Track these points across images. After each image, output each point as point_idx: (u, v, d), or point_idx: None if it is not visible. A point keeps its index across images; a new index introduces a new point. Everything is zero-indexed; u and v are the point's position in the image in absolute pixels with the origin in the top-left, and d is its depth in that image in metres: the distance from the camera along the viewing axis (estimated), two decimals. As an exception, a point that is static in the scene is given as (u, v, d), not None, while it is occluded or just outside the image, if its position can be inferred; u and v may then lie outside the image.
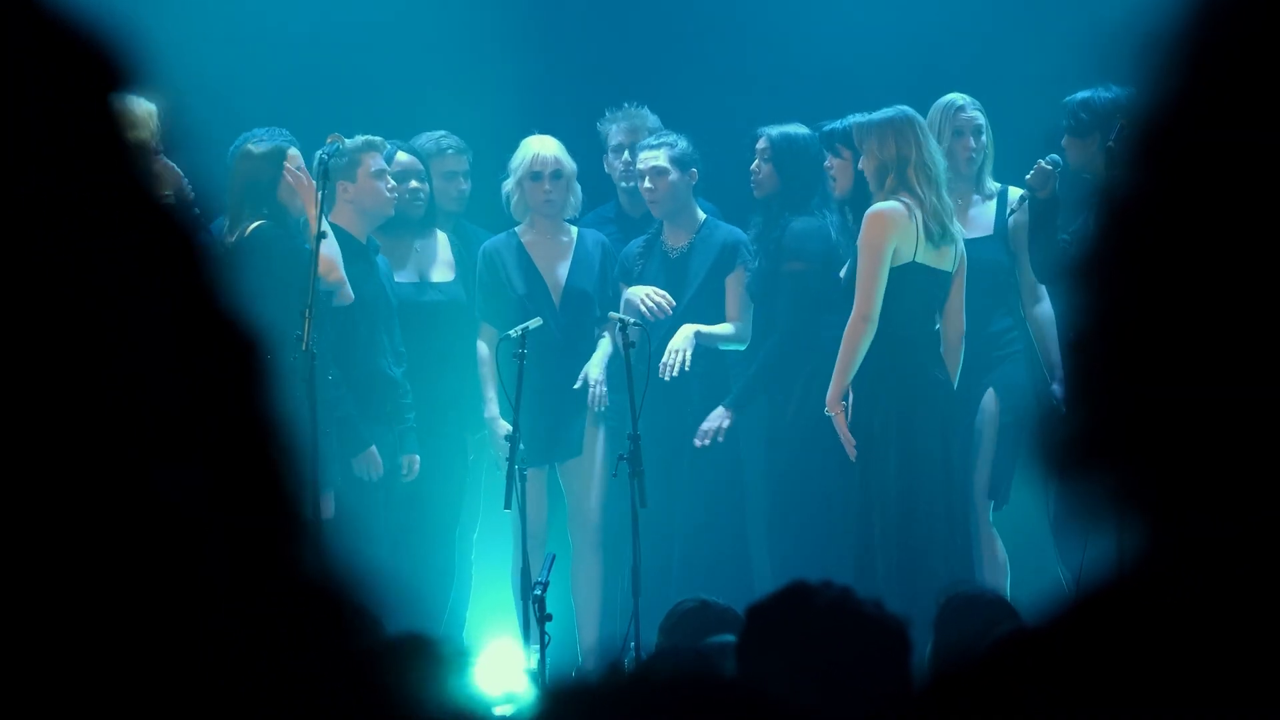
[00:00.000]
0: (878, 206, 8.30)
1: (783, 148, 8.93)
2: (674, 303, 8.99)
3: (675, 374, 8.86)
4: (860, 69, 9.83)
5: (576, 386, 8.99)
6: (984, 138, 8.91)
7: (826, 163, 8.68)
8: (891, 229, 8.29)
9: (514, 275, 9.09)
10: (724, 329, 9.04)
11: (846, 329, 8.30)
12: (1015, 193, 8.88)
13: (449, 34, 10.13)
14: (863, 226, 8.33)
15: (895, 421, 8.38)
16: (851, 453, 8.33)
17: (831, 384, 8.36)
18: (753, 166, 8.97)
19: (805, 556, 8.61)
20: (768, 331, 8.99)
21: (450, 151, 9.36)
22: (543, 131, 9.29)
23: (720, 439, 8.94)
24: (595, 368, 9.03)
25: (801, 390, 8.89)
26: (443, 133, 9.40)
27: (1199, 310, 0.96)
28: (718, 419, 8.95)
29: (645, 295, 8.97)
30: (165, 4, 9.26)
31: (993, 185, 8.95)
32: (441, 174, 9.30)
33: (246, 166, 8.37)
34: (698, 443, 8.93)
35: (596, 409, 9.01)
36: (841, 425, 8.34)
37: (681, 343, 8.93)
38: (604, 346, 9.07)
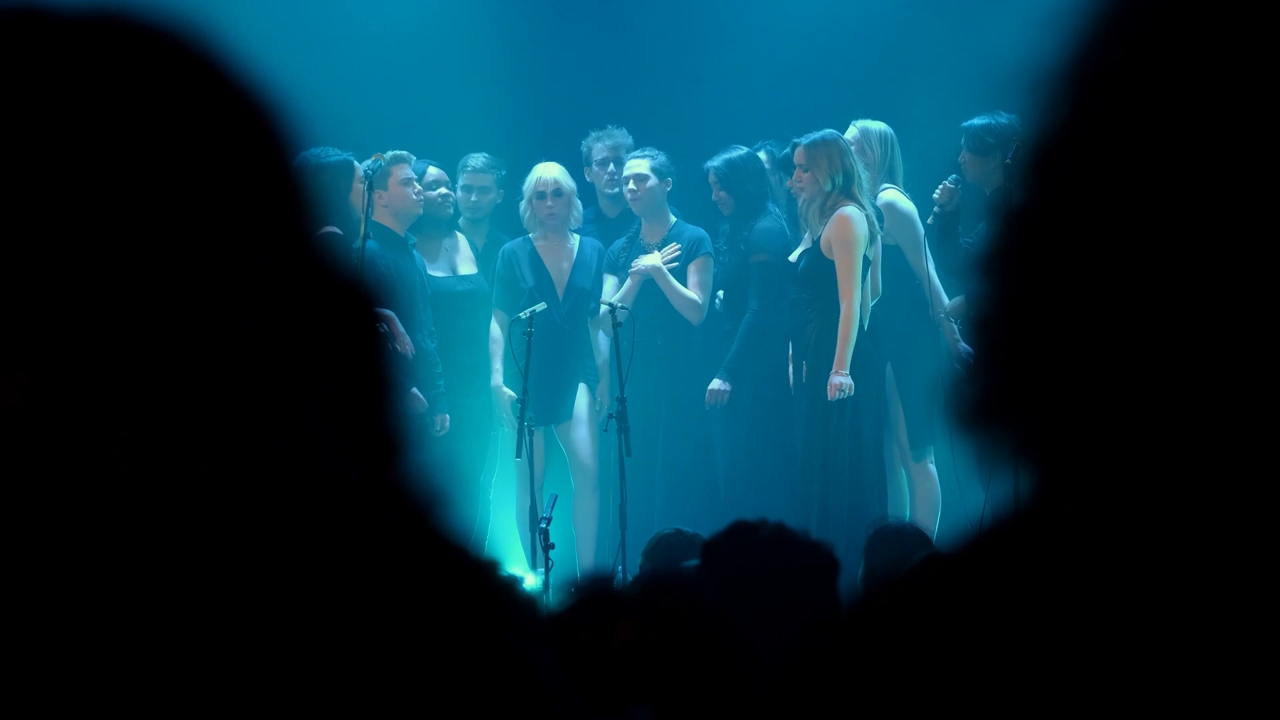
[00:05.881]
0: (845, 211, 8.28)
1: (725, 173, 9.01)
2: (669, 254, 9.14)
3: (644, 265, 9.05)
4: (792, 96, 9.92)
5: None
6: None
7: (794, 178, 8.59)
8: (861, 229, 8.29)
9: (526, 271, 9.17)
10: (684, 290, 9.07)
11: (844, 320, 8.25)
12: (888, 195, 8.75)
13: (465, 65, 10.24)
14: (836, 230, 8.28)
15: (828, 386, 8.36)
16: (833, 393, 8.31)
17: (839, 362, 8.31)
18: (713, 196, 9.07)
19: (757, 495, 8.63)
20: (741, 310, 9.00)
21: (480, 168, 9.50)
22: (543, 146, 9.51)
23: (722, 401, 8.96)
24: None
25: (761, 359, 8.91)
26: (480, 156, 9.52)
27: (1083, 296, 0.96)
28: (718, 386, 8.97)
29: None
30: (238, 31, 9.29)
31: (879, 195, 8.88)
32: (478, 187, 9.51)
33: (322, 178, 8.42)
34: (709, 402, 8.96)
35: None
36: (846, 386, 8.32)
37: (653, 260, 9.07)
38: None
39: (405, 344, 8.43)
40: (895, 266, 8.74)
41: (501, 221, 9.68)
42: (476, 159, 9.49)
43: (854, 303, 8.28)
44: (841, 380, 8.30)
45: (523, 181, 9.32)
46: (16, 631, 0.90)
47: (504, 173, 9.56)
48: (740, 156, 9.01)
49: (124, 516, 0.93)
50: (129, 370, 0.95)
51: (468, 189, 9.48)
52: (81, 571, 0.92)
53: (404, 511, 1.00)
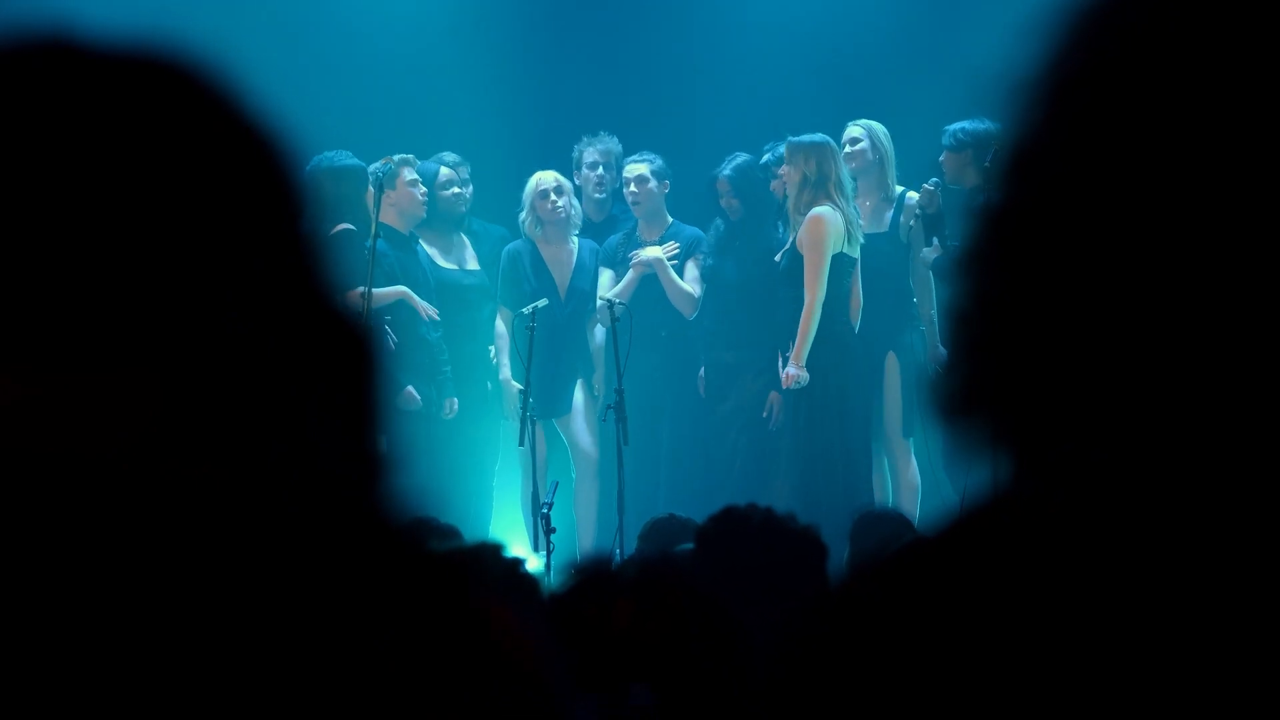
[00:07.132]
0: (818, 211, 8.31)
1: (738, 180, 9.00)
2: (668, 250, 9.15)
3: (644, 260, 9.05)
4: (790, 102, 9.92)
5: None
6: (863, 145, 8.84)
7: (780, 169, 8.63)
8: (831, 229, 8.32)
9: (529, 273, 9.21)
10: (682, 283, 9.06)
11: (806, 313, 8.29)
12: (912, 195, 8.84)
13: (467, 70, 10.28)
14: (807, 229, 8.32)
15: (819, 377, 8.39)
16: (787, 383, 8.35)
17: (796, 354, 8.34)
18: (722, 203, 9.04)
19: (748, 481, 8.67)
20: (741, 310, 8.96)
21: (460, 161, 9.55)
22: (542, 152, 9.55)
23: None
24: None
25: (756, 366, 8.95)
26: (451, 154, 9.55)
27: (1055, 292, 0.96)
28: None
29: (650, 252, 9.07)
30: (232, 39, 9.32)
31: (895, 190, 8.93)
32: (460, 180, 9.51)
33: (340, 179, 8.47)
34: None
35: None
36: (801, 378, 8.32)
37: (654, 252, 9.07)
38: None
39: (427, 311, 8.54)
40: (902, 261, 8.82)
41: (479, 212, 9.73)
42: (449, 156, 9.56)
43: (816, 299, 8.32)
44: (795, 372, 8.34)
45: (508, 183, 9.38)
46: (16, 631, 0.90)
47: (469, 165, 9.62)
48: (748, 162, 9.04)
49: (124, 516, 0.92)
50: (129, 370, 0.94)
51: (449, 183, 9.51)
52: (81, 571, 0.91)
53: (382, 527, 0.99)
